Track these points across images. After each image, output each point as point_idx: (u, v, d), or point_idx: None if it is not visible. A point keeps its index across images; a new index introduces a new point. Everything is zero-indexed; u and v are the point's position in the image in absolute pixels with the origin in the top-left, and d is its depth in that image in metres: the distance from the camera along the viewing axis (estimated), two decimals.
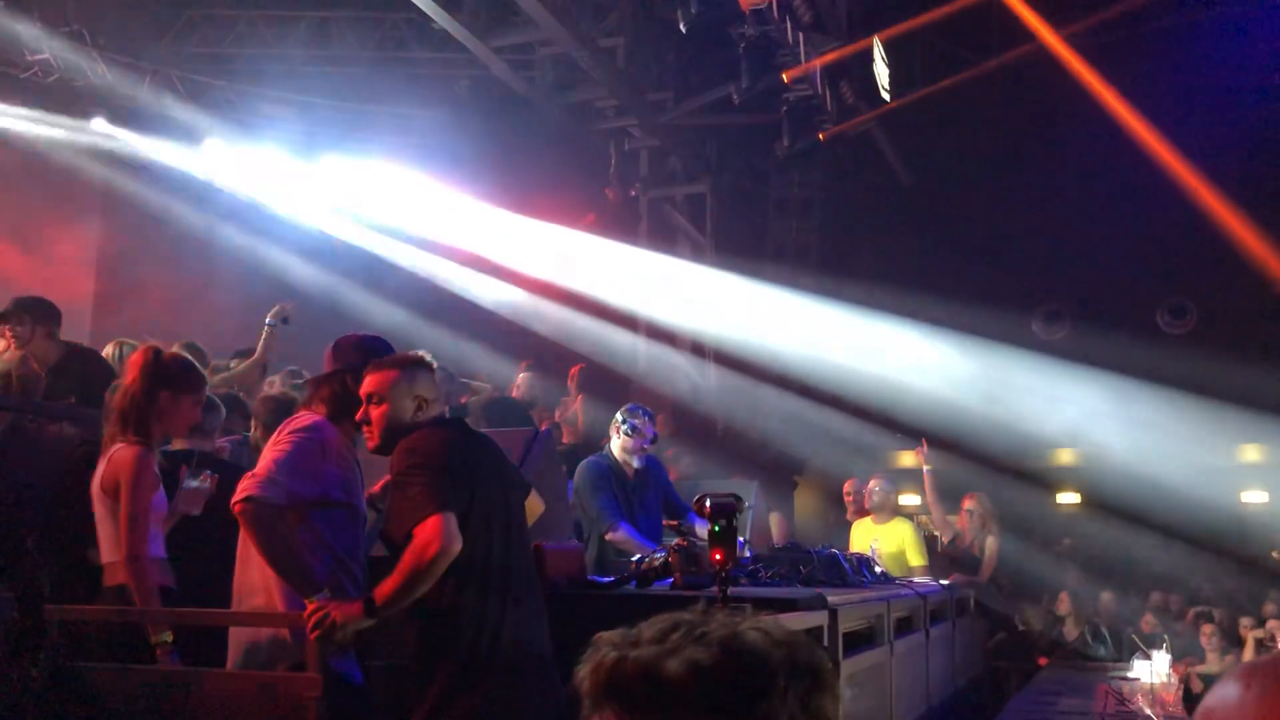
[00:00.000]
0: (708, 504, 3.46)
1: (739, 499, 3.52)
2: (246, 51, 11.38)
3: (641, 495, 5.83)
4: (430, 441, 3.33)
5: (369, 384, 3.44)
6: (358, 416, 3.46)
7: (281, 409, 4.44)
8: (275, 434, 3.51)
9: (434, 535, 3.15)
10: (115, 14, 10.51)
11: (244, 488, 3.28)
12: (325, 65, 11.75)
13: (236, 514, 3.28)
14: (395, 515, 3.27)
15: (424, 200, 11.18)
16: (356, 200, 11.10)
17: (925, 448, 8.23)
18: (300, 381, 5.88)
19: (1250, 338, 12.75)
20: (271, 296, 7.19)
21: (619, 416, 5.89)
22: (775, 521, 9.01)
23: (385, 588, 3.17)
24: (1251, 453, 13.09)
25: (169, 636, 3.45)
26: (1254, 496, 13.00)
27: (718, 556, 3.36)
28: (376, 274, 11.25)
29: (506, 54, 10.28)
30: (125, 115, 10.43)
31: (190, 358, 4.19)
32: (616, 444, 5.86)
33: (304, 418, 3.54)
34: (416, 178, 11.09)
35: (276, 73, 11.31)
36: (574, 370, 9.11)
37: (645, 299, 11.51)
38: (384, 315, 10.27)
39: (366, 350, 3.65)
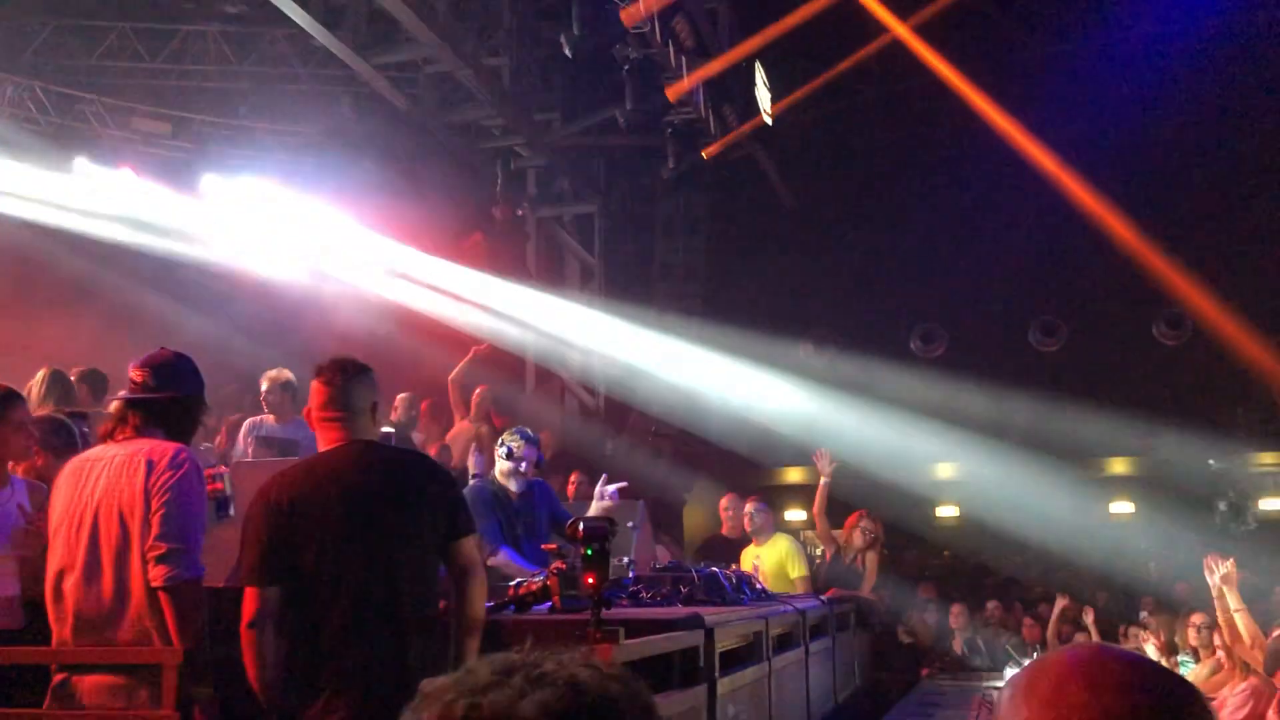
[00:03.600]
0: (580, 528, 3.46)
1: (613, 522, 3.53)
2: (118, 64, 11.06)
3: (526, 518, 5.74)
4: (263, 495, 3.29)
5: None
6: None
7: (61, 430, 4.27)
8: (152, 473, 3.29)
9: (246, 609, 3.16)
10: None
11: (170, 569, 3.18)
12: (201, 80, 11.49)
13: (165, 591, 3.18)
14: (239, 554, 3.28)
15: (299, 223, 10.82)
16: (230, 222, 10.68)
17: (824, 458, 8.27)
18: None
19: (1117, 356, 13.30)
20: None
21: (502, 440, 5.83)
22: (661, 553, 9.07)
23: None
24: (1119, 465, 13.64)
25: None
26: (1121, 507, 13.54)
27: (590, 580, 3.37)
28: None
29: (389, 71, 10.18)
30: None
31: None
32: (500, 468, 5.80)
33: (168, 448, 3.36)
34: (295, 197, 10.76)
35: (149, 88, 11.00)
36: (479, 390, 9.02)
37: (532, 324, 11.41)
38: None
39: (190, 372, 3.58)
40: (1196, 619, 6.97)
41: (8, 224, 9.79)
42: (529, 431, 5.89)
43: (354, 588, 3.22)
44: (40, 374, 5.69)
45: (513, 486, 5.73)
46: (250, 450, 6.71)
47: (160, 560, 3.19)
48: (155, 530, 3.21)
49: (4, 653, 3.49)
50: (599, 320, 11.75)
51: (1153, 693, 1.08)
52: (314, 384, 3.48)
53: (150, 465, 3.28)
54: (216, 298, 10.72)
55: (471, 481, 6.20)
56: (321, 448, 3.45)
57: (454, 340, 9.69)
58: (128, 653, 3.23)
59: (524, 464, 5.74)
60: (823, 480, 8.20)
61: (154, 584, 3.19)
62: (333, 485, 3.31)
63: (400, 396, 7.99)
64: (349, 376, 3.48)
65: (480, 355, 8.98)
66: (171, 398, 3.47)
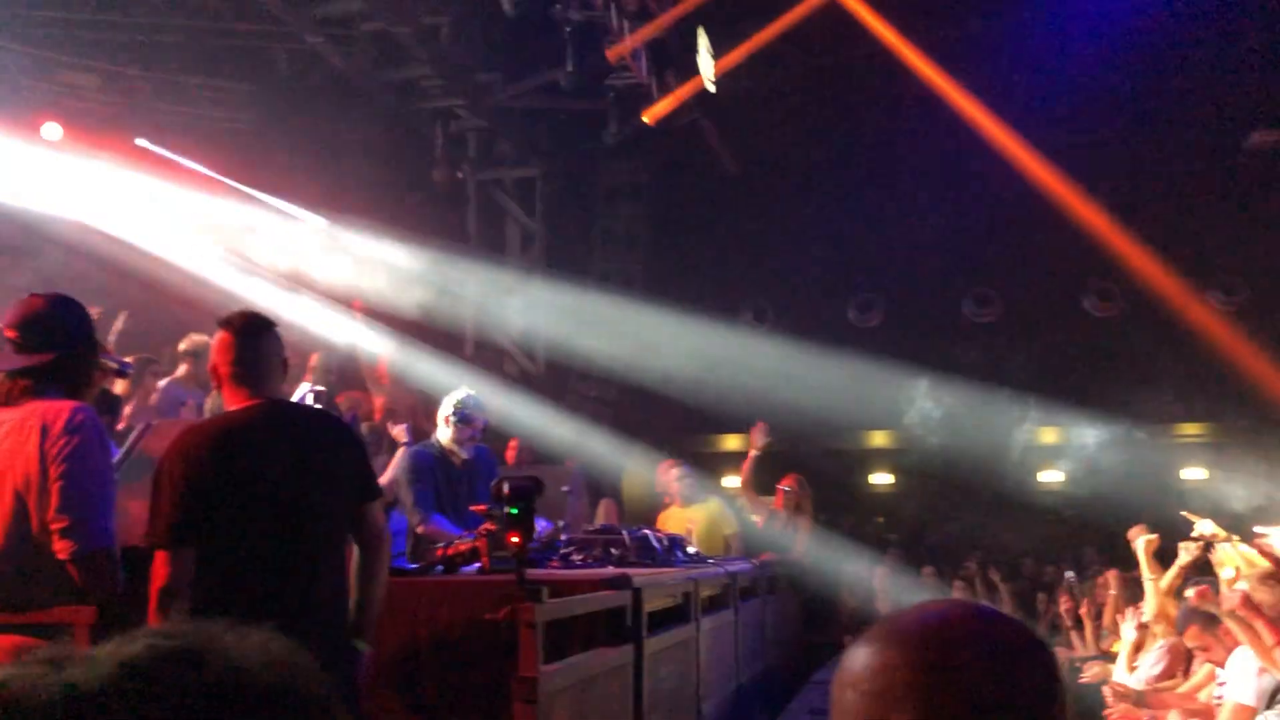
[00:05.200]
0: (505, 487, 3.47)
1: (538, 482, 3.54)
2: (45, 13, 10.70)
3: (470, 485, 5.70)
4: (175, 451, 3.16)
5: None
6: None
7: None
8: (48, 438, 3.06)
9: (159, 573, 3.05)
10: None
11: (78, 541, 2.99)
12: (134, 32, 11.17)
13: (76, 563, 3.01)
14: (149, 515, 3.14)
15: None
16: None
17: (760, 431, 8.34)
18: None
19: (1050, 328, 13.53)
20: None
21: (447, 405, 5.77)
22: (605, 507, 9.12)
23: None
24: (1048, 434, 13.92)
25: None
26: (1050, 476, 13.83)
27: (514, 539, 3.38)
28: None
29: (326, 28, 9.99)
30: None
31: None
32: (446, 433, 5.74)
33: (63, 409, 3.10)
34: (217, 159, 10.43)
35: (78, 38, 10.67)
36: (385, 356, 8.94)
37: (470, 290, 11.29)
38: None
39: (72, 319, 3.29)
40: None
41: None
42: (477, 396, 5.84)
43: (270, 552, 3.15)
44: None
45: (462, 453, 5.70)
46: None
47: (64, 534, 3.00)
48: (55, 501, 2.99)
49: None
50: (539, 287, 11.68)
51: (993, 642, 1.10)
52: (222, 338, 3.30)
53: (45, 430, 3.03)
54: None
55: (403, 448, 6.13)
56: (230, 405, 3.32)
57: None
58: (39, 614, 3.13)
59: (475, 431, 5.72)
60: (752, 453, 8.29)
61: (60, 557, 3.00)
62: (248, 445, 3.21)
63: (315, 355, 7.86)
64: (259, 331, 3.33)
65: (359, 311, 8.85)
66: (54, 356, 3.17)
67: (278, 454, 3.23)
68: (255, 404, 3.28)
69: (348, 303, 9.06)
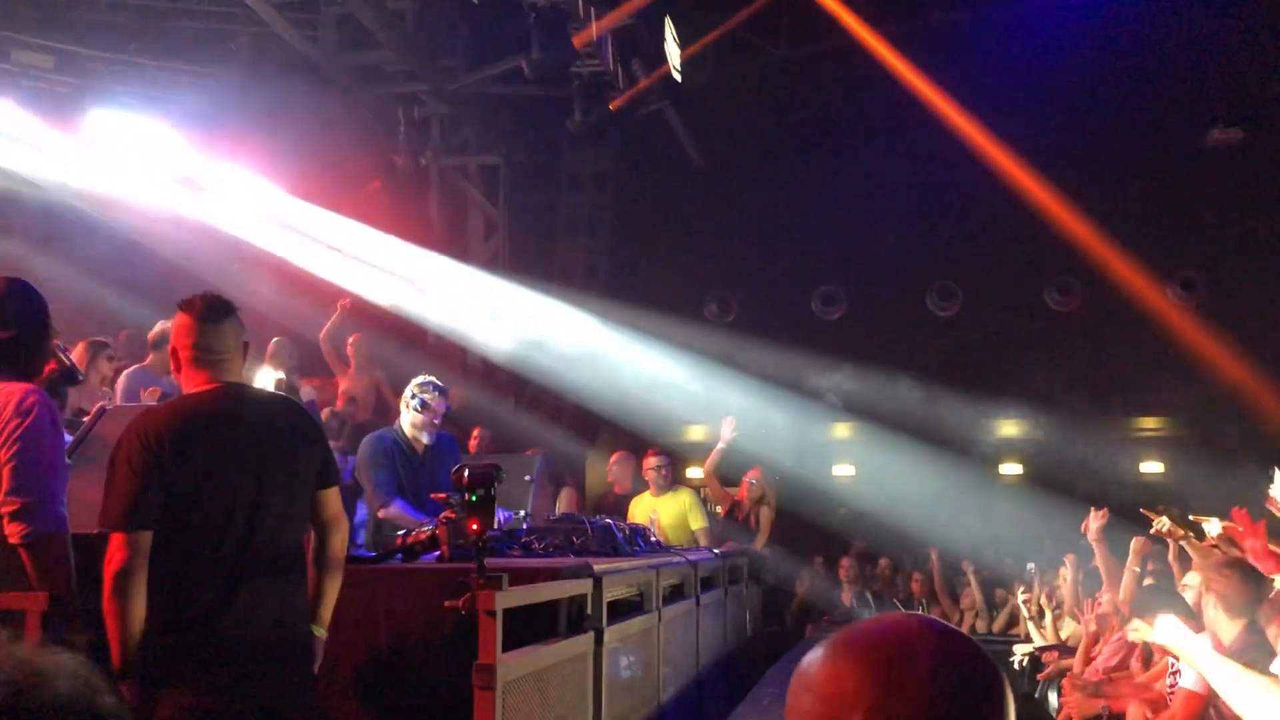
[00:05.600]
0: (465, 474, 3.43)
1: (497, 468, 3.50)
2: None
3: (431, 472, 5.69)
4: (135, 434, 3.09)
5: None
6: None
7: None
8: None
9: (114, 556, 2.97)
10: None
11: (27, 525, 2.97)
12: (90, 12, 10.95)
13: (28, 548, 2.99)
14: (103, 498, 3.06)
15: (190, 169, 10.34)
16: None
17: (729, 425, 8.38)
18: None
19: (1011, 322, 13.64)
20: None
21: (409, 391, 5.75)
22: (565, 496, 9.11)
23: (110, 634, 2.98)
24: (1009, 428, 14.04)
25: None
26: (1010, 469, 13.96)
27: (474, 526, 3.34)
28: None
29: (289, 11, 9.85)
30: None
31: None
32: (407, 419, 5.72)
33: (14, 391, 3.11)
34: (179, 139, 10.26)
35: (32, 17, 10.45)
36: (352, 339, 8.94)
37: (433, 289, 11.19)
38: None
39: (27, 303, 3.31)
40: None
41: None
42: (439, 383, 5.81)
43: (229, 537, 3.10)
44: None
45: (424, 439, 5.68)
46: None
47: (14, 517, 2.98)
48: (6, 485, 2.99)
49: None
50: (501, 286, 11.59)
51: (943, 654, 1.15)
52: (182, 320, 3.25)
53: None
54: (69, 239, 10.23)
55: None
56: (189, 389, 3.26)
57: (326, 296, 9.50)
58: None
59: (437, 417, 5.70)
60: (719, 445, 8.32)
61: (11, 541, 2.98)
62: (208, 429, 3.16)
63: (275, 341, 7.78)
64: (221, 315, 3.28)
65: (346, 309, 8.85)
66: (7, 337, 3.18)
67: (237, 438, 3.19)
68: (215, 387, 3.23)
69: (335, 300, 8.97)
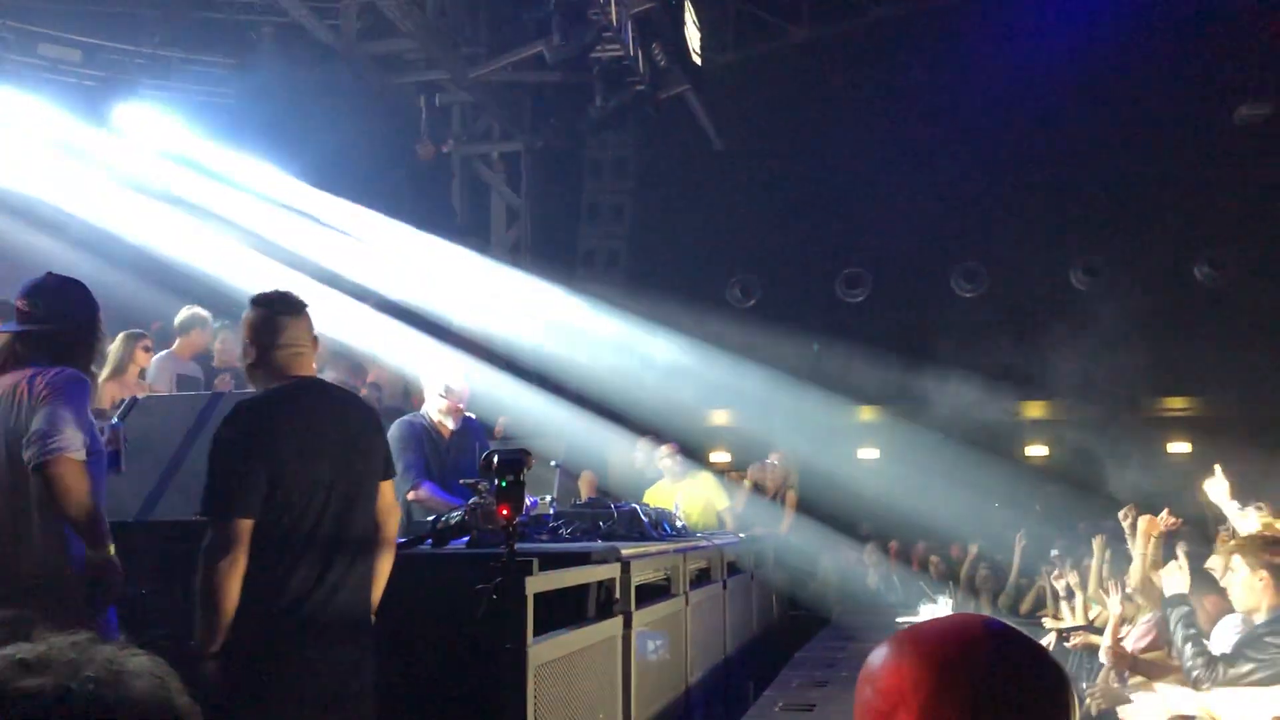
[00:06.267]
0: (494, 460, 3.46)
1: (527, 454, 3.53)
2: None
3: (456, 457, 5.74)
4: (235, 425, 3.21)
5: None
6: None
7: None
8: (33, 389, 3.26)
9: (218, 542, 3.08)
10: None
11: (42, 445, 3.14)
12: (115, 5, 11.03)
13: (43, 471, 3.15)
14: (205, 486, 3.17)
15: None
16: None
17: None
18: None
19: (1037, 303, 13.55)
20: None
21: (434, 377, 5.80)
22: (586, 480, 9.14)
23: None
24: (1034, 410, 13.98)
25: None
26: (1036, 451, 13.91)
27: (503, 512, 3.37)
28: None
29: (311, 1, 9.89)
30: None
31: None
32: (434, 405, 5.77)
33: (52, 369, 3.32)
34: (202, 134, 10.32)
35: (58, 11, 10.53)
36: None
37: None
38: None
39: (79, 298, 3.51)
40: None
41: None
42: (462, 369, 5.87)
43: (320, 523, 3.23)
44: None
45: (450, 424, 5.73)
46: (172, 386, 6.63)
47: (29, 444, 3.16)
48: (32, 427, 3.18)
49: None
50: (522, 276, 11.60)
51: (1002, 654, 1.19)
52: (260, 315, 3.36)
53: (31, 384, 3.25)
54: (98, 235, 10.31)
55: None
56: (269, 382, 3.34)
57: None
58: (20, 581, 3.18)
59: (462, 402, 5.74)
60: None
61: (29, 465, 3.16)
62: (299, 421, 3.28)
63: None
64: (298, 309, 3.40)
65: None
66: (58, 328, 3.38)
67: (325, 430, 3.32)
68: (300, 380, 3.35)
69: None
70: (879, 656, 1.22)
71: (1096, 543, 7.02)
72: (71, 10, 10.62)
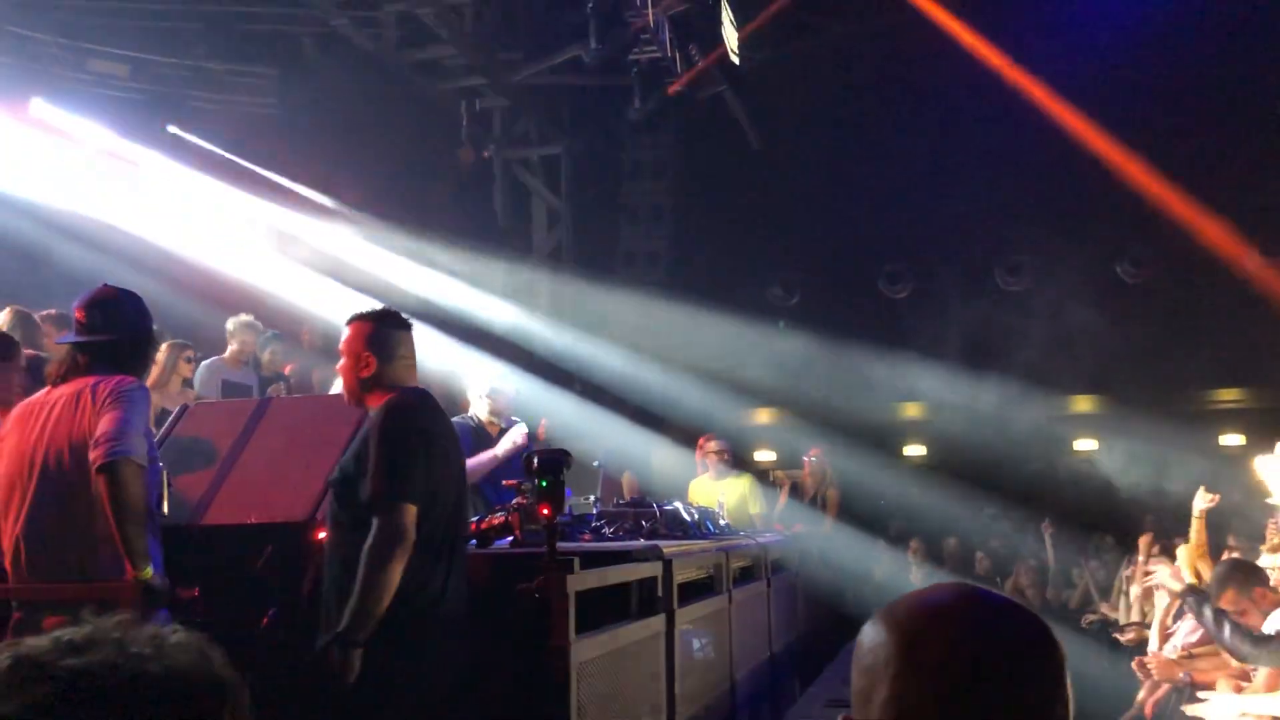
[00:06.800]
0: (535, 460, 3.50)
1: (566, 454, 3.57)
2: (72, 3, 10.79)
3: (506, 461, 5.81)
4: (405, 414, 3.37)
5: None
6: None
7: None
8: (96, 395, 3.34)
9: (403, 526, 3.20)
10: None
11: (108, 446, 3.22)
12: (160, 19, 11.24)
13: (107, 472, 3.21)
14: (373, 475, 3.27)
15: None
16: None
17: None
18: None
19: (1084, 296, 13.37)
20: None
21: (481, 380, 5.87)
22: (628, 481, 9.16)
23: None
24: (1082, 404, 13.81)
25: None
26: (1084, 445, 13.73)
27: (545, 511, 3.41)
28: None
29: (350, 10, 10.02)
30: None
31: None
32: (482, 407, 5.83)
33: (115, 377, 3.42)
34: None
35: (106, 27, 10.75)
36: None
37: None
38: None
39: (136, 310, 3.61)
40: None
41: None
42: (505, 371, 5.93)
43: (454, 523, 3.42)
44: (4, 314, 5.65)
45: (499, 423, 5.80)
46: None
47: (95, 445, 3.24)
48: (97, 430, 3.26)
49: None
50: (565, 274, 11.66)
51: (1010, 632, 1.12)
52: (373, 329, 3.50)
53: (95, 391, 3.33)
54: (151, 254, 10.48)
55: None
56: (386, 393, 3.45)
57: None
58: (81, 590, 3.25)
59: (508, 403, 5.81)
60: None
61: (94, 466, 3.23)
62: (443, 427, 3.50)
63: (308, 329, 7.99)
64: (407, 325, 3.59)
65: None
66: (117, 338, 3.49)
67: (451, 436, 3.53)
68: (421, 390, 3.53)
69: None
70: (861, 636, 1.16)
71: (1144, 541, 6.96)
72: (118, 25, 10.83)
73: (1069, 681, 1.12)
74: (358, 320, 3.53)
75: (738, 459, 7.93)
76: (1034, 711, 1.09)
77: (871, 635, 1.14)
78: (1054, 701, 1.10)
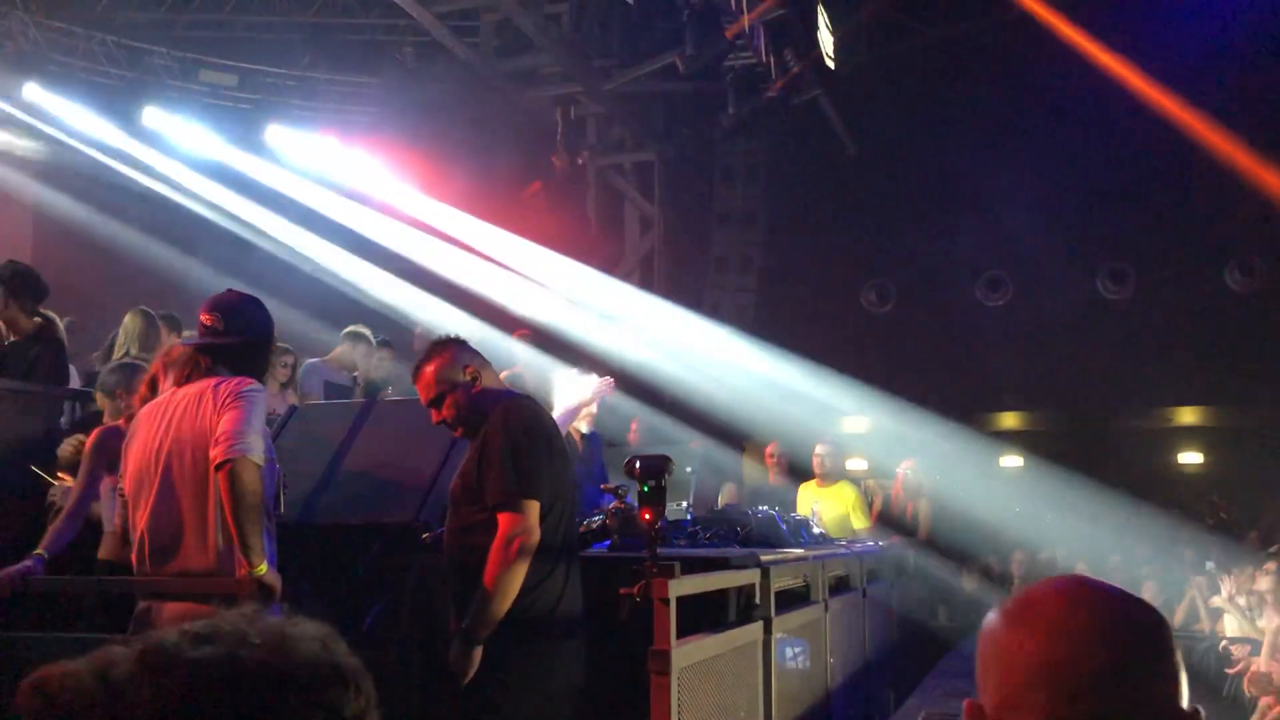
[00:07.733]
0: (637, 465, 3.51)
1: (669, 459, 3.57)
2: (184, 17, 11.19)
3: (589, 465, 5.85)
4: (525, 414, 3.46)
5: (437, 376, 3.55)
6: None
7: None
8: (217, 395, 3.44)
9: (517, 523, 3.27)
10: None
11: (228, 444, 3.30)
12: (264, 32, 11.59)
13: (226, 469, 3.29)
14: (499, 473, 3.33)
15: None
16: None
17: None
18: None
19: (1187, 306, 12.97)
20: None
21: (567, 386, 5.88)
22: (727, 491, 9.12)
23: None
24: (1187, 415, 13.40)
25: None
26: (1190, 458, 13.33)
27: (647, 516, 3.42)
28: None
29: (450, 20, 10.20)
30: (58, 82, 10.21)
31: None
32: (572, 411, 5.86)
33: (236, 379, 3.51)
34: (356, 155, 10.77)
35: (215, 39, 11.13)
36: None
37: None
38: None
39: (259, 314, 3.71)
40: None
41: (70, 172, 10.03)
42: (595, 377, 5.94)
43: (569, 525, 3.52)
44: (131, 316, 5.88)
45: (582, 428, 5.85)
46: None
47: (216, 442, 3.31)
48: (219, 428, 3.34)
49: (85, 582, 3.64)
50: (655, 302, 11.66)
51: (1131, 616, 1.16)
52: (464, 349, 3.60)
53: (216, 390, 3.42)
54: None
55: None
56: (497, 400, 3.53)
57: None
58: (200, 583, 3.35)
59: (595, 407, 5.85)
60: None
61: (214, 463, 3.30)
62: (557, 429, 3.60)
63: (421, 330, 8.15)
64: None
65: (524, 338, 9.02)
66: (240, 341, 3.58)
67: (562, 440, 3.65)
68: (525, 394, 3.69)
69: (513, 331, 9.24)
70: (984, 625, 1.22)
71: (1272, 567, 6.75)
72: (226, 37, 11.20)
73: (1179, 661, 1.14)
74: (437, 352, 3.58)
75: (838, 468, 7.87)
76: (1142, 687, 1.12)
77: (987, 621, 1.21)
78: (1162, 677, 1.13)
